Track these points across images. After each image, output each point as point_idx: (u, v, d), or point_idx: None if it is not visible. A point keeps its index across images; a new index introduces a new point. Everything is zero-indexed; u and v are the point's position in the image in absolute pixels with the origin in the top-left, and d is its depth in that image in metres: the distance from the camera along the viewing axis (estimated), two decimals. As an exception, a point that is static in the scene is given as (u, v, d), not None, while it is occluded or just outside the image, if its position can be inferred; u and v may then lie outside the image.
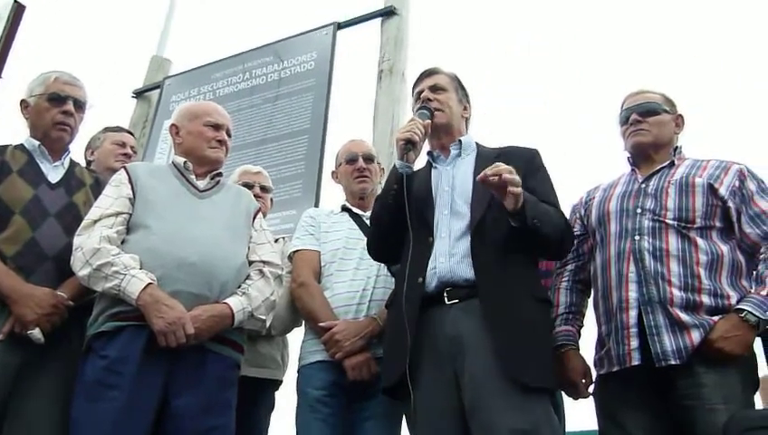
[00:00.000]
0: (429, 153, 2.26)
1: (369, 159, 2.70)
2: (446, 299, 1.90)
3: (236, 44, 5.10)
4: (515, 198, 1.83)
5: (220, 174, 2.32)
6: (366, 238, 2.29)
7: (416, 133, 2.00)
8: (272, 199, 3.01)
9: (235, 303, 2.02)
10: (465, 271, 1.90)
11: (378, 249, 2.19)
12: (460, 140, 2.22)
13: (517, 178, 1.82)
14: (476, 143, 2.24)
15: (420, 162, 2.18)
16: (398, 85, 4.01)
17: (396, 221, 1.99)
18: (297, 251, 2.55)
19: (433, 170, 2.19)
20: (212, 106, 2.41)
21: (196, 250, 2.00)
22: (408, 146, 1.99)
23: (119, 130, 3.04)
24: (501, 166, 1.83)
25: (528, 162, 2.06)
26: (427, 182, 2.14)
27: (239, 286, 2.09)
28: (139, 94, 5.43)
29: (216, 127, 2.32)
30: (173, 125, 2.36)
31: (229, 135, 2.37)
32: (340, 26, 4.53)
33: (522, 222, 1.86)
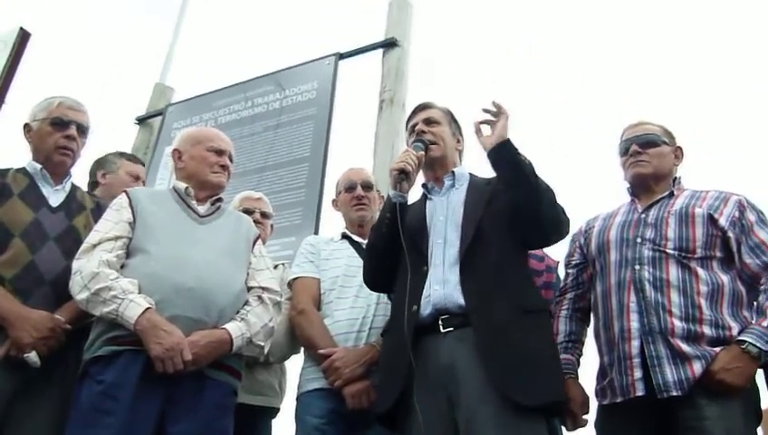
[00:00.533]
0: (424, 185, 2.29)
1: (367, 186, 2.73)
2: (440, 327, 1.90)
3: (238, 73, 5.16)
4: (502, 130, 1.95)
5: (220, 199, 2.33)
6: None
7: (409, 164, 2.04)
8: (272, 226, 3.01)
9: (234, 328, 2.02)
10: (460, 298, 1.90)
11: (373, 278, 2.20)
12: (453, 172, 2.25)
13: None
14: (470, 174, 2.28)
15: (416, 194, 2.21)
16: (398, 115, 4.03)
17: (390, 250, 2.01)
18: (297, 278, 2.55)
19: (428, 202, 2.22)
20: (215, 132, 2.43)
21: (194, 275, 1.99)
22: (402, 176, 2.03)
23: (135, 160, 3.02)
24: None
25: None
26: (422, 213, 2.17)
27: (237, 312, 2.08)
28: (141, 121, 5.47)
29: (219, 152, 2.34)
30: (175, 150, 2.38)
31: (231, 161, 2.39)
32: (341, 57, 4.58)
33: (504, 156, 1.94)
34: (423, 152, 2.14)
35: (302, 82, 4.65)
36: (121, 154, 2.99)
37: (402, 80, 4.21)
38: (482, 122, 2.03)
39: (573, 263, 2.37)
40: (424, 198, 2.26)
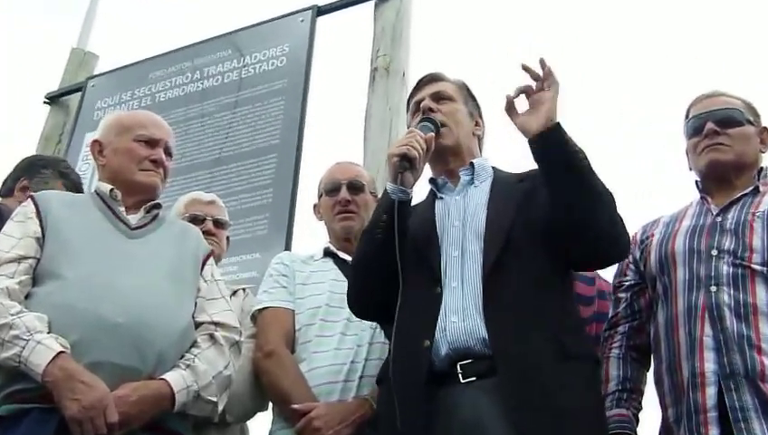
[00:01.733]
0: (432, 181, 2.29)
1: (356, 188, 2.73)
2: (460, 377, 1.88)
3: (184, 34, 5.19)
4: (550, 107, 1.92)
5: (158, 205, 2.33)
6: None
7: (414, 148, 2.01)
8: (228, 238, 3.01)
9: (177, 379, 2.00)
10: (484, 332, 1.88)
11: (360, 300, 2.18)
12: (472, 163, 2.24)
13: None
14: (493, 168, 2.28)
15: (420, 194, 2.21)
16: (396, 88, 4.06)
17: (387, 264, 1.97)
18: (264, 309, 2.54)
19: (437, 202, 2.22)
20: (146, 116, 2.44)
21: (124, 307, 1.99)
22: (404, 164, 2.00)
23: (75, 187, 3.00)
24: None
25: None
26: (430, 216, 2.16)
27: (182, 357, 2.07)
28: (53, 99, 5.48)
29: (151, 143, 2.34)
30: (96, 141, 2.37)
31: (170, 154, 2.39)
32: (320, 11, 4.60)
33: (553, 145, 1.91)
34: (433, 134, 2.12)
35: (269, 45, 4.68)
36: (63, 174, 3.00)
37: (401, 42, 4.23)
38: (520, 92, 2.00)
39: (626, 284, 2.36)
40: (432, 196, 2.26)
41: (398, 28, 4.26)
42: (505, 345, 1.85)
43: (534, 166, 2.06)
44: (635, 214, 2.38)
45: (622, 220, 2.00)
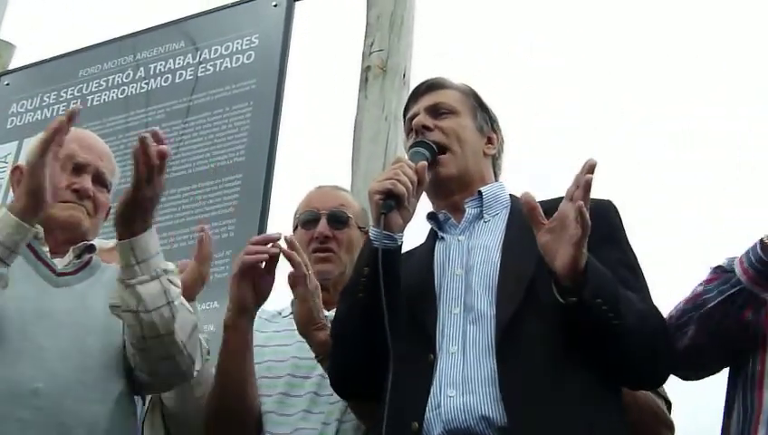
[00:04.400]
0: (432, 216, 2.33)
1: (339, 220, 2.72)
2: None
3: (124, 21, 5.20)
4: (576, 255, 1.86)
5: (91, 248, 2.37)
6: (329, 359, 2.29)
7: (401, 182, 2.03)
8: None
9: None
10: (491, 411, 1.90)
11: (343, 378, 2.22)
12: (480, 192, 2.27)
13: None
14: (511, 196, 2.29)
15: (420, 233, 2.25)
16: (395, 93, 4.10)
17: (371, 329, 1.99)
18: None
19: (438, 244, 2.25)
20: (74, 134, 2.41)
21: (43, 371, 2.03)
22: (389, 203, 2.02)
23: None
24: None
25: (598, 223, 1.98)
26: (428, 262, 2.20)
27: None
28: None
29: (76, 169, 2.37)
30: (17, 168, 2.39)
31: (102, 182, 2.43)
32: (299, -6, 4.64)
33: (578, 299, 1.88)
34: (425, 163, 2.14)
35: (232, 35, 4.72)
36: None
37: (401, 33, 4.26)
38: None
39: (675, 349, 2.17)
40: (432, 237, 2.30)
41: (398, 15, 4.28)
42: (525, 421, 1.86)
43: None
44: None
45: (664, 337, 2.05)
